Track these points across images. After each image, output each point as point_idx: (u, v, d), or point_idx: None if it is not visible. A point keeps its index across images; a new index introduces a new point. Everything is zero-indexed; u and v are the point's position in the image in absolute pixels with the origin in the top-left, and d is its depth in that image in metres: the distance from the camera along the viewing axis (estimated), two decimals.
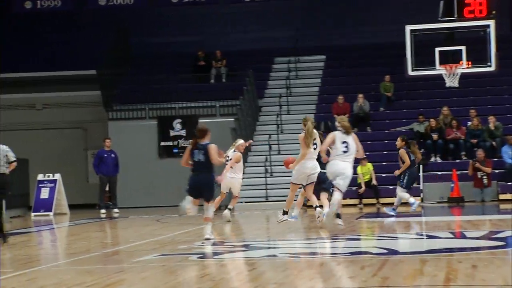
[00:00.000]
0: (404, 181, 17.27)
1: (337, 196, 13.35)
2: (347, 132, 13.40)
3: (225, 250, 11.62)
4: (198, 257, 10.70)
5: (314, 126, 13.92)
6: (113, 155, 22.08)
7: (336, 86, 26.92)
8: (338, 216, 13.56)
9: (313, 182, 13.96)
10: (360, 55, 28.45)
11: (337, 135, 13.40)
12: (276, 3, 29.43)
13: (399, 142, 17.36)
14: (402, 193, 17.27)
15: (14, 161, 13.70)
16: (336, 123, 13.85)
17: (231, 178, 16.77)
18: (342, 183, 13.33)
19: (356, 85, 26.48)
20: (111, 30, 27.85)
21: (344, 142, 13.35)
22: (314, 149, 13.79)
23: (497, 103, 25.13)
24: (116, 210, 21.88)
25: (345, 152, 13.31)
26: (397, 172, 17.42)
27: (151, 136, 25.96)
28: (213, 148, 12.37)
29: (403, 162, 17.13)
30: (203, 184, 12.31)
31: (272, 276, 8.86)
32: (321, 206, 14.09)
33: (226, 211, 17.07)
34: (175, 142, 25.93)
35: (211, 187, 12.52)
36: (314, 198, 14.14)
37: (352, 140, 13.41)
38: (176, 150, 25.71)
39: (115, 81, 27.36)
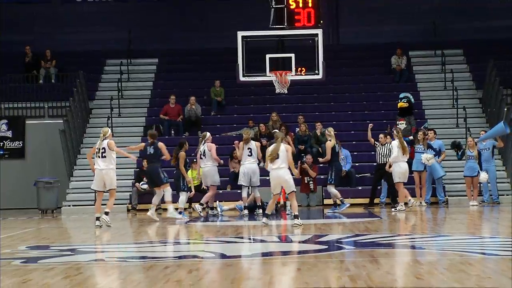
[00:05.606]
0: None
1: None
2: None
3: (50, 255, 11.36)
4: (21, 262, 10.40)
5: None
6: None
7: (168, 89, 26.92)
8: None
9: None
10: (193, 60, 28.61)
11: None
12: (109, 4, 29.07)
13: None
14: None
15: None
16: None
17: None
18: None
19: (188, 89, 26.62)
20: None
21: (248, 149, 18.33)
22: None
23: (324, 110, 25.93)
24: None
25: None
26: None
27: None
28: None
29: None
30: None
31: (98, 281, 8.75)
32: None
33: None
34: (0, 144, 25.09)
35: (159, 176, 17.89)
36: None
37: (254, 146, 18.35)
38: (2, 152, 24.90)
39: None
